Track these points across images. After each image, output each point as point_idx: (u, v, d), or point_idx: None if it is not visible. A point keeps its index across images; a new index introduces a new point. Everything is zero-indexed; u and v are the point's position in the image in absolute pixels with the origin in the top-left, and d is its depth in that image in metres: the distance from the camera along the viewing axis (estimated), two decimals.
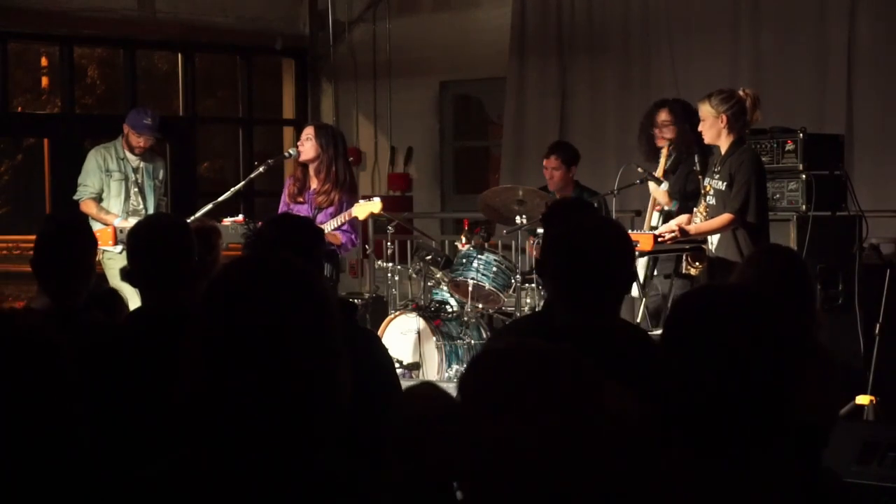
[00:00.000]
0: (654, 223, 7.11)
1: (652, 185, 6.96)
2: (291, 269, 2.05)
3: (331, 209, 7.04)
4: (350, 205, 7.08)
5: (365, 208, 7.05)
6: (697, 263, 6.52)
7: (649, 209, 7.11)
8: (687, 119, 7.03)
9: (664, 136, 7.12)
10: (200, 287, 3.78)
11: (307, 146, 7.12)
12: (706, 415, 2.07)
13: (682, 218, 6.51)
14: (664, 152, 7.01)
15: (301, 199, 7.22)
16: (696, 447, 2.07)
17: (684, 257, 6.64)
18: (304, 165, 7.22)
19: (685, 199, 6.87)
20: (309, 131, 7.19)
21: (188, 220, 5.22)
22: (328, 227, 6.88)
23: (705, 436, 2.07)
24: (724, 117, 6.11)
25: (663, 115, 7.18)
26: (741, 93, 6.26)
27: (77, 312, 3.91)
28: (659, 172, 7.00)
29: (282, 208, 7.33)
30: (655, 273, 7.23)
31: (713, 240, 6.23)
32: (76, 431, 2.45)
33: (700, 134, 6.39)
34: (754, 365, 2.05)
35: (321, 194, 7.09)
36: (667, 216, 6.81)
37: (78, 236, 4.12)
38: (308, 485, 1.94)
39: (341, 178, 7.11)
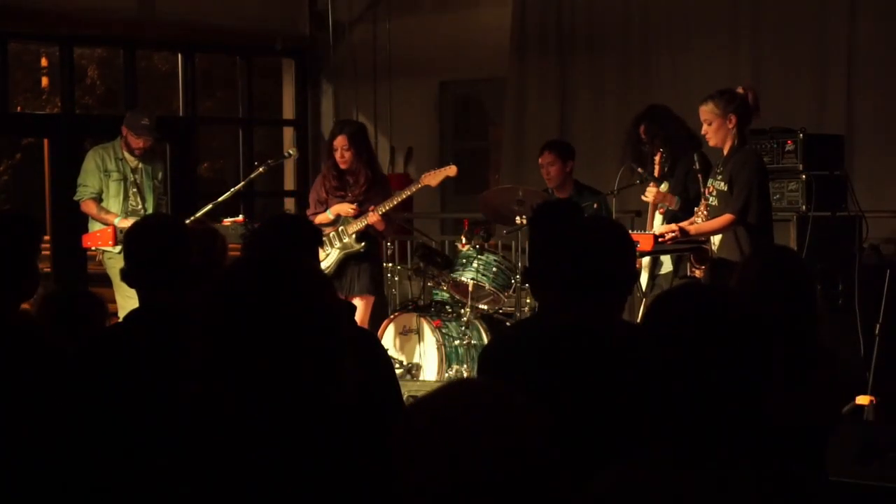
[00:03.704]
0: (656, 225, 7.08)
1: (649, 188, 6.92)
2: (296, 270, 2.05)
3: (375, 199, 7.52)
4: (385, 190, 7.60)
5: (438, 176, 7.59)
6: (700, 265, 6.50)
7: (650, 213, 7.07)
8: (664, 122, 7.08)
9: (652, 148, 7.12)
10: (201, 288, 3.78)
11: (347, 157, 7.53)
12: (680, 416, 2.05)
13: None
14: (657, 159, 6.98)
15: (342, 194, 7.57)
16: (674, 451, 2.06)
17: (689, 259, 6.62)
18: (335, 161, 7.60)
19: (688, 200, 6.85)
20: (343, 142, 7.44)
21: (187, 221, 5.23)
22: (379, 210, 7.42)
23: (680, 439, 2.05)
24: (734, 118, 6.09)
25: (643, 130, 7.19)
26: (740, 90, 6.25)
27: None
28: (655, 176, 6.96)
29: (315, 209, 7.54)
30: (659, 273, 7.22)
31: (715, 241, 6.21)
32: (76, 431, 2.46)
33: (693, 133, 6.37)
34: (727, 365, 2.03)
35: (364, 194, 7.53)
36: (672, 218, 6.78)
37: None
38: (309, 485, 1.94)
39: (379, 177, 7.72)
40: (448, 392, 1.73)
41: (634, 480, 2.05)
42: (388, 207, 7.44)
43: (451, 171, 7.65)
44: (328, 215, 7.48)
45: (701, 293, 2.18)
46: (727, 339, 2.04)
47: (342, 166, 7.52)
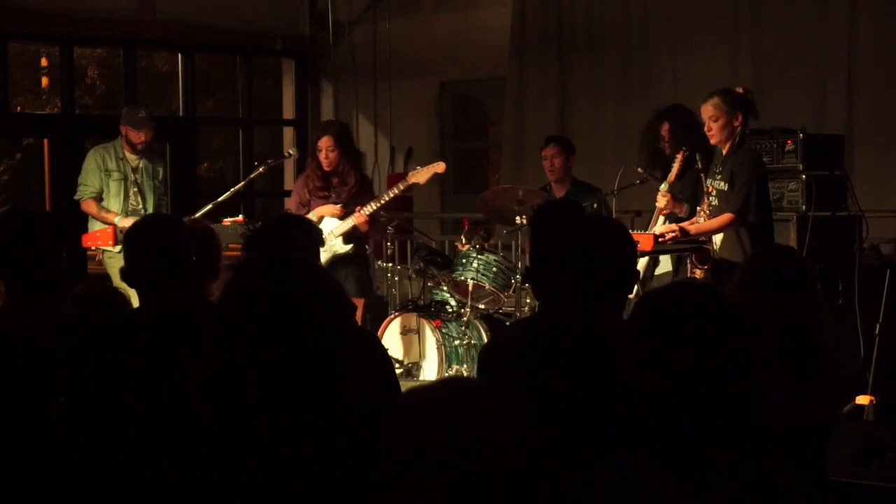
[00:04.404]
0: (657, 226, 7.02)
1: (661, 195, 6.81)
2: (309, 272, 2.05)
3: (361, 199, 7.40)
4: (370, 191, 7.53)
5: (426, 173, 7.51)
6: (702, 265, 6.48)
7: (655, 216, 7.01)
8: (689, 123, 7.01)
9: (672, 147, 7.04)
10: (199, 287, 3.78)
11: (332, 157, 7.35)
12: (662, 416, 2.05)
13: None
14: (679, 158, 6.88)
15: (325, 194, 7.44)
16: (655, 453, 2.05)
17: (690, 259, 6.59)
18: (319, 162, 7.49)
19: (697, 203, 6.80)
20: (328, 143, 7.32)
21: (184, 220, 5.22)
22: (366, 210, 7.28)
23: (664, 438, 2.05)
24: (741, 116, 6.08)
25: (665, 129, 7.09)
26: (739, 90, 6.24)
27: (55, 314, 3.80)
28: (671, 178, 6.89)
29: (296, 209, 7.43)
30: (656, 273, 7.21)
31: (717, 241, 6.20)
32: (73, 430, 2.45)
33: (701, 133, 6.36)
34: (709, 367, 2.03)
35: (351, 195, 7.40)
36: (674, 218, 6.75)
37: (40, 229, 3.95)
38: (312, 485, 1.94)
39: (364, 175, 7.66)
40: (437, 389, 1.73)
41: (617, 479, 2.06)
42: (375, 207, 7.30)
43: (440, 167, 7.58)
44: (311, 217, 7.33)
45: (684, 293, 2.18)
46: (709, 338, 2.04)
47: (326, 168, 7.37)
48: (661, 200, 6.76)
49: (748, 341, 2.06)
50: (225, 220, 7.54)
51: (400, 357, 7.92)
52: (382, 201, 7.35)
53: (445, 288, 8.16)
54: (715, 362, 2.02)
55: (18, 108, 14.65)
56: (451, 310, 8.04)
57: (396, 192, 7.54)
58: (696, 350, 2.02)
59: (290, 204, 7.65)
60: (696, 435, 2.03)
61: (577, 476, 2.09)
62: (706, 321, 2.05)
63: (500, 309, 8.00)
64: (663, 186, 6.84)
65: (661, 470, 2.04)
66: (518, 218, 7.38)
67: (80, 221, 8.24)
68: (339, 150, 7.35)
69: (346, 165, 7.39)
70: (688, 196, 6.90)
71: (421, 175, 7.52)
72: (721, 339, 2.04)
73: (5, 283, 3.91)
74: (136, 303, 3.71)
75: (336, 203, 7.36)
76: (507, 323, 7.69)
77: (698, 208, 6.40)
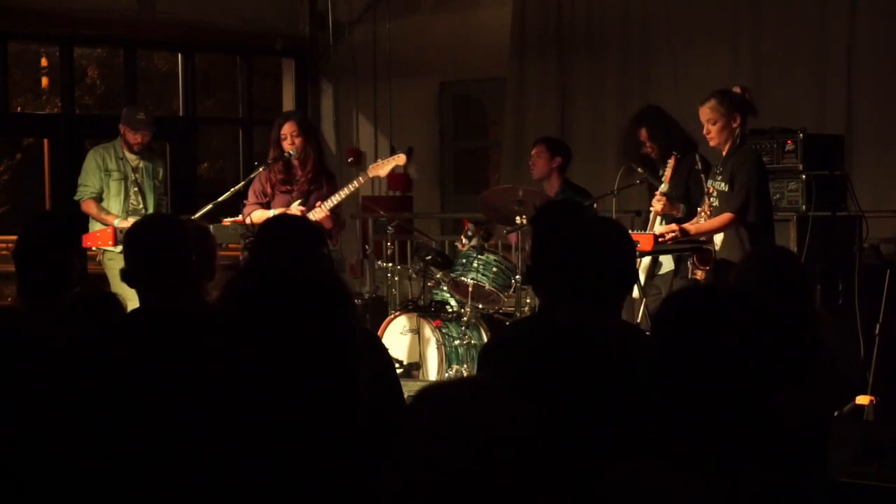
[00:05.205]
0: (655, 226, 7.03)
1: (657, 199, 6.81)
2: (310, 272, 2.05)
3: (321, 192, 7.28)
4: (332, 185, 7.36)
5: (386, 166, 7.39)
6: (704, 266, 6.48)
7: (652, 219, 7.01)
8: (665, 124, 7.06)
9: (654, 151, 7.09)
10: (198, 287, 3.79)
11: (297, 143, 7.27)
12: (686, 417, 2.05)
13: None
14: (671, 163, 6.88)
15: (287, 188, 7.35)
16: (676, 455, 2.06)
17: (692, 260, 6.59)
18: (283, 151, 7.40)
19: (690, 203, 6.80)
20: (292, 128, 7.29)
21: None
22: (328, 205, 7.15)
23: (684, 440, 2.06)
24: (739, 117, 6.08)
25: (644, 134, 7.15)
26: (736, 90, 6.25)
27: (61, 314, 3.85)
28: (665, 181, 6.89)
29: (256, 199, 7.37)
30: (658, 273, 7.21)
31: (717, 241, 6.21)
32: (71, 429, 2.45)
33: (678, 130, 6.36)
34: (734, 368, 2.03)
35: (311, 182, 7.30)
36: (672, 218, 6.75)
37: (60, 235, 4.04)
38: (314, 484, 1.94)
39: (325, 167, 7.50)
40: (458, 389, 1.73)
41: (638, 480, 2.06)
42: (335, 202, 7.20)
43: (401, 159, 7.52)
44: (271, 214, 7.13)
45: (712, 295, 2.19)
46: (738, 339, 2.05)
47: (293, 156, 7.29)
48: (657, 205, 6.78)
49: (761, 345, 2.07)
50: (225, 220, 7.52)
51: (400, 357, 7.92)
52: (343, 195, 7.24)
53: (445, 288, 8.16)
54: (724, 366, 2.03)
55: (18, 108, 14.66)
56: (451, 310, 8.04)
57: (357, 185, 7.45)
58: (703, 353, 2.03)
59: (250, 195, 7.50)
60: (702, 435, 2.04)
61: (588, 477, 2.09)
62: (714, 324, 2.06)
63: (500, 309, 8.00)
64: (663, 187, 6.85)
65: (669, 470, 2.04)
66: (518, 218, 7.38)
67: (81, 222, 8.24)
68: (302, 136, 7.29)
69: (307, 150, 7.30)
70: (680, 195, 6.92)
71: (381, 168, 7.45)
72: (729, 342, 2.04)
73: (21, 282, 3.94)
74: (132, 306, 3.71)
75: (297, 198, 7.27)
76: (507, 323, 7.69)
77: (699, 209, 6.41)
